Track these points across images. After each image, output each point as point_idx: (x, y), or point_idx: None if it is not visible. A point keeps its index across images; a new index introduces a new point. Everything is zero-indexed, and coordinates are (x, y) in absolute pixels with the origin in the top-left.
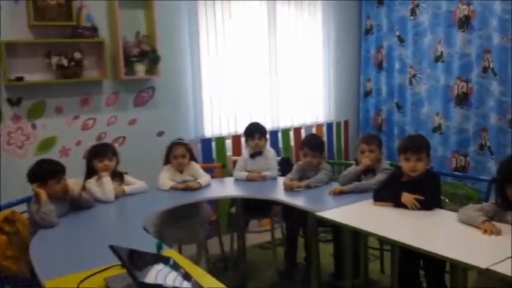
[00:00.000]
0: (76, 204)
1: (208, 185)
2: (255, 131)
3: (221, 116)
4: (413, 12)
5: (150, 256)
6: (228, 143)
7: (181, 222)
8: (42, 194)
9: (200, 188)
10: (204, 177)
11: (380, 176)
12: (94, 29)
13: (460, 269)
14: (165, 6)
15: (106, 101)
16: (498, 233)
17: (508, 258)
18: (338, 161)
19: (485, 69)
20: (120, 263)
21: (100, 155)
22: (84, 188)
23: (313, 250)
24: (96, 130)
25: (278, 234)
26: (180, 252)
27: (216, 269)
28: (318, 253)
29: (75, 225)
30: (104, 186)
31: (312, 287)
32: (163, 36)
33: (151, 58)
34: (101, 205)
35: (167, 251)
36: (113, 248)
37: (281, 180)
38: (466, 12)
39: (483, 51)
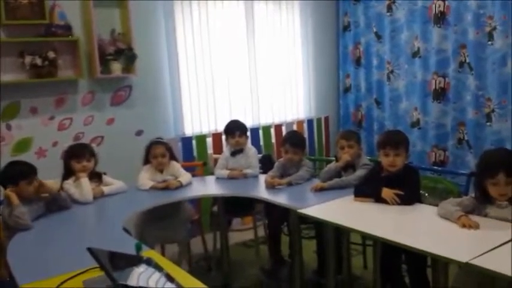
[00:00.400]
0: (54, 204)
1: (189, 184)
2: (235, 128)
3: (201, 113)
4: (389, 8)
5: (129, 258)
6: (209, 141)
7: (162, 222)
8: (13, 196)
9: (181, 186)
10: (185, 176)
11: (360, 172)
12: (68, 28)
13: (441, 263)
14: (140, 4)
15: (82, 101)
16: (476, 227)
17: (487, 252)
18: (319, 157)
19: (461, 64)
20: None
21: (77, 155)
22: (61, 189)
23: (296, 247)
24: (73, 130)
25: (261, 232)
26: (163, 251)
27: (199, 268)
28: (300, 250)
29: (53, 227)
30: (82, 187)
31: (295, 284)
32: (140, 34)
33: (127, 56)
34: (79, 206)
35: (147, 252)
36: (91, 250)
37: (263, 177)
38: (441, 8)
39: (459, 46)
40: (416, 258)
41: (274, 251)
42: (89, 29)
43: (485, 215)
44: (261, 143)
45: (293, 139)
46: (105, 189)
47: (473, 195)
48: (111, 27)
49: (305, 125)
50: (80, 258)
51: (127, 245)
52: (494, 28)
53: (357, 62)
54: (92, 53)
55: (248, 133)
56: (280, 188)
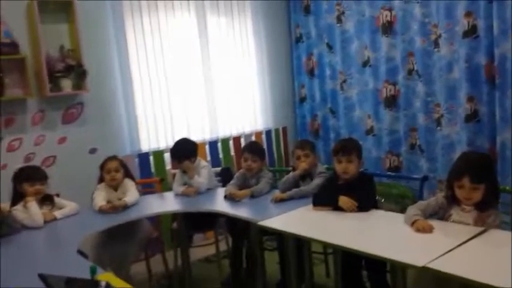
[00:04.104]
0: (3, 228)
1: (135, 203)
2: (177, 155)
3: (158, 128)
4: (339, 19)
5: (84, 282)
6: (167, 156)
7: (119, 242)
8: None
9: (127, 207)
10: (131, 195)
11: (317, 180)
12: (14, 45)
13: (399, 268)
14: (89, 19)
15: (32, 120)
16: (429, 230)
17: (443, 255)
18: (279, 168)
19: (410, 72)
20: None
21: (31, 178)
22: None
23: (258, 260)
24: (23, 151)
25: (223, 247)
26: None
27: (160, 287)
28: (263, 262)
29: (1, 253)
30: (30, 213)
31: None
32: (90, 50)
33: (77, 73)
34: (30, 231)
35: (103, 275)
36: (43, 277)
37: (222, 191)
38: (388, 18)
39: (407, 55)
40: (376, 264)
41: (236, 266)
42: (36, 46)
43: (449, 217)
44: (220, 155)
45: (251, 147)
46: (57, 214)
47: (443, 194)
48: (59, 43)
49: (263, 136)
50: (32, 285)
51: (82, 269)
52: (440, 36)
53: (311, 72)
54: (40, 70)
55: (195, 156)
56: (242, 201)
